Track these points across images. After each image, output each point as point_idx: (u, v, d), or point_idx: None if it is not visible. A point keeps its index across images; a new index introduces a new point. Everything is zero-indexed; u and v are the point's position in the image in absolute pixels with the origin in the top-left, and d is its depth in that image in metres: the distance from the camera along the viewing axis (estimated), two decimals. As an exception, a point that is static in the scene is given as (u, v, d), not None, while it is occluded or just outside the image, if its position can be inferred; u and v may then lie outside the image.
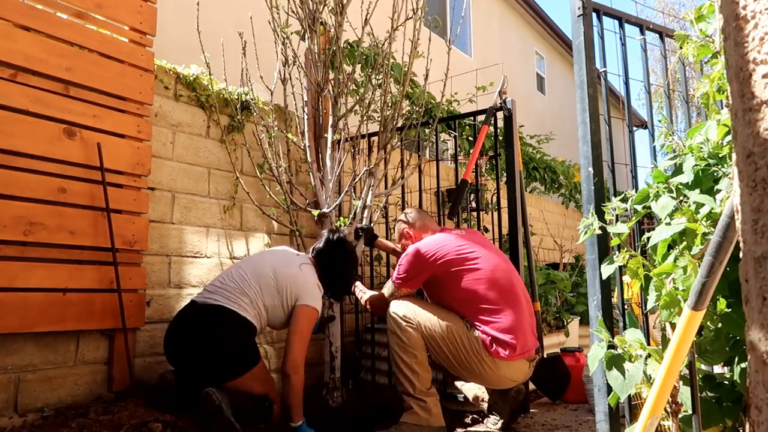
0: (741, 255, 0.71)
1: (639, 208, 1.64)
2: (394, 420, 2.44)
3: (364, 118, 3.02)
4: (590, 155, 1.98)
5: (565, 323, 4.00)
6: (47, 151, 2.23)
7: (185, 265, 2.82)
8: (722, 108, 1.55)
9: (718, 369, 1.64)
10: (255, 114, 3.07)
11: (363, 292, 2.76)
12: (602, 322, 1.75)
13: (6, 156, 2.12)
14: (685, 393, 1.44)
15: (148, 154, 2.59)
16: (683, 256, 1.40)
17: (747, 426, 1.38)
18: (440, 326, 2.38)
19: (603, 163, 2.01)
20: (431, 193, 4.53)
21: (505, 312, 2.35)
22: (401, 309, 2.46)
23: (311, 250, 2.62)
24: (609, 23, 2.10)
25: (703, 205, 1.41)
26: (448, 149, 7.12)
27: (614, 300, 1.98)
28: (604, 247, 1.92)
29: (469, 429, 2.72)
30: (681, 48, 1.68)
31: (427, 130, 4.91)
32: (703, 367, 1.57)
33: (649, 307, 1.53)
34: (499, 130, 3.25)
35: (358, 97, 3.07)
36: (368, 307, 2.72)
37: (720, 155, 1.46)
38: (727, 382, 1.50)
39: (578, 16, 2.03)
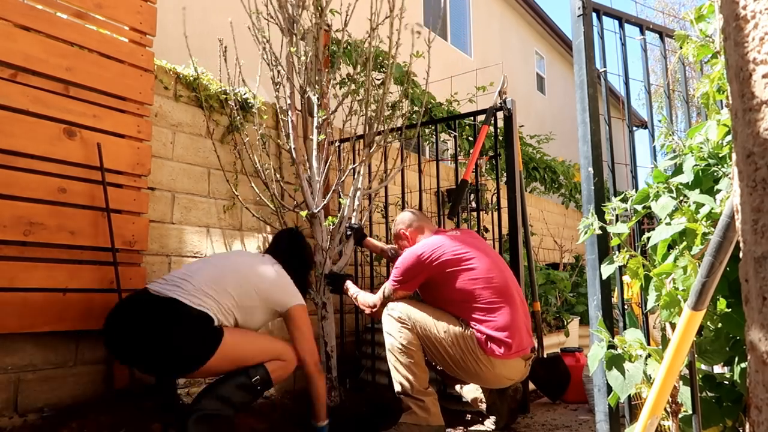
0: (741, 255, 0.71)
1: (639, 208, 1.64)
2: (394, 420, 2.44)
3: (349, 117, 3.03)
4: (590, 155, 1.98)
5: (565, 323, 4.00)
6: (47, 151, 2.23)
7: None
8: (722, 108, 1.55)
9: (718, 369, 1.64)
10: (254, 114, 3.07)
11: (357, 293, 2.75)
12: (602, 322, 1.75)
13: (6, 156, 2.12)
14: (685, 393, 1.44)
15: (148, 154, 2.59)
16: (683, 256, 1.40)
17: (747, 426, 1.38)
18: (436, 327, 2.38)
19: (603, 163, 2.01)
20: (431, 193, 4.53)
21: (500, 311, 2.36)
22: (396, 310, 2.46)
23: (274, 250, 2.54)
24: (609, 23, 2.11)
25: (703, 205, 1.41)
26: (448, 149, 7.12)
27: (614, 300, 1.98)
28: (604, 247, 1.92)
29: (468, 429, 2.72)
30: (681, 48, 1.68)
31: (427, 130, 4.93)
32: (703, 367, 1.57)
33: (649, 307, 1.53)
34: (499, 130, 3.25)
35: (340, 98, 3.07)
36: (363, 308, 2.71)
37: (720, 155, 1.46)
38: (727, 382, 1.50)
39: (578, 16, 2.03)
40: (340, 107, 3.08)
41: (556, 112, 14.02)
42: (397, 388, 2.43)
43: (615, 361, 1.54)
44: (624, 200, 1.71)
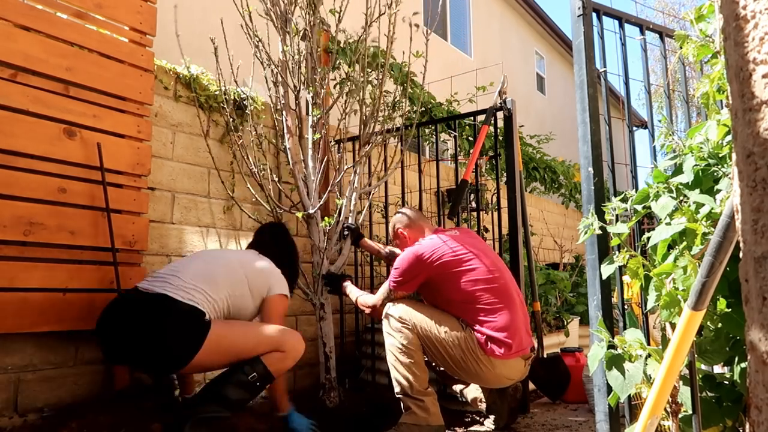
0: (741, 255, 0.71)
1: (639, 208, 1.64)
2: (394, 420, 2.44)
3: (345, 116, 3.02)
4: (590, 155, 1.98)
5: (565, 323, 4.00)
6: (47, 151, 2.23)
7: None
8: (722, 108, 1.55)
9: (718, 369, 1.64)
10: (250, 115, 3.07)
11: (356, 294, 2.74)
12: (602, 322, 1.75)
13: (6, 156, 2.12)
14: (685, 393, 1.44)
15: (148, 154, 2.59)
16: (683, 256, 1.40)
17: (747, 426, 1.38)
18: (436, 327, 2.38)
19: (603, 163, 2.01)
20: (431, 193, 4.53)
21: (500, 311, 2.36)
22: (397, 310, 2.46)
23: (256, 243, 2.55)
24: (609, 23, 2.10)
25: (703, 205, 1.41)
26: (448, 149, 7.12)
27: (614, 300, 1.98)
28: (604, 247, 1.92)
29: (468, 429, 2.72)
30: (681, 48, 1.68)
31: (427, 130, 4.92)
32: (703, 367, 1.57)
33: (649, 307, 1.53)
34: (499, 130, 3.25)
35: (335, 96, 3.06)
36: (363, 309, 2.71)
37: (720, 155, 1.46)
38: (727, 382, 1.50)
39: (578, 16, 2.03)
40: (338, 106, 3.08)
41: (556, 112, 14.03)
42: (397, 388, 2.43)
43: (615, 361, 1.54)
44: (624, 200, 1.71)
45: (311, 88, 2.92)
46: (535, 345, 2.78)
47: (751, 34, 0.67)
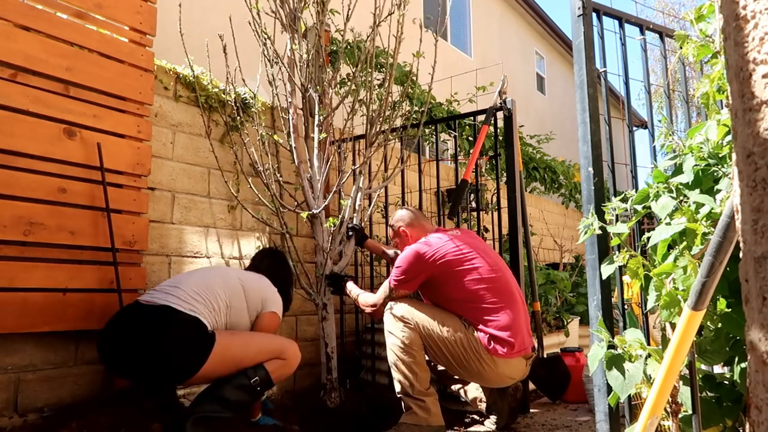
0: (741, 255, 0.71)
1: (639, 208, 1.64)
2: (394, 420, 2.44)
3: (351, 117, 3.02)
4: (590, 155, 1.98)
5: (565, 323, 4.00)
6: (47, 151, 2.23)
7: (185, 265, 2.82)
8: (722, 108, 1.55)
9: (718, 369, 1.64)
10: (253, 114, 3.07)
11: (358, 293, 2.74)
12: (602, 322, 1.75)
13: (6, 156, 2.12)
14: (685, 393, 1.44)
15: (148, 154, 2.59)
16: (683, 256, 1.40)
17: (747, 426, 1.38)
18: (438, 326, 2.38)
19: (603, 163, 2.01)
20: (431, 193, 4.53)
21: (502, 311, 2.36)
22: (398, 309, 2.45)
23: (254, 267, 2.57)
24: (609, 23, 2.11)
25: (703, 205, 1.41)
26: (448, 149, 7.12)
27: (614, 300, 1.98)
28: (604, 247, 1.92)
29: (468, 429, 2.72)
30: (681, 48, 1.68)
31: (427, 130, 4.93)
32: (703, 367, 1.57)
33: (649, 307, 1.53)
34: (499, 130, 3.25)
35: (342, 96, 3.06)
36: (364, 308, 2.70)
37: (720, 155, 1.46)
38: (727, 382, 1.50)
39: (578, 16, 2.03)
40: (342, 107, 3.08)
41: (556, 112, 14.02)
42: (398, 387, 2.43)
43: (615, 361, 1.54)
44: (624, 200, 1.71)
45: (318, 88, 2.92)
46: (536, 345, 2.77)
47: (751, 34, 0.67)
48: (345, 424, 2.63)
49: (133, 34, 2.57)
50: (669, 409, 1.52)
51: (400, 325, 2.42)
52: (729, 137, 1.42)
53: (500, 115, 3.20)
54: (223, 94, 3.02)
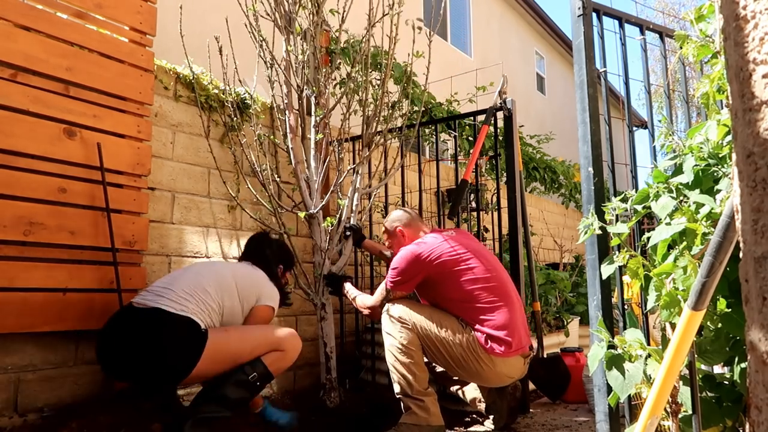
0: (741, 255, 0.71)
1: (639, 208, 1.64)
2: (394, 420, 2.44)
3: (347, 116, 3.02)
4: (590, 155, 1.98)
5: (565, 323, 4.00)
6: (47, 151, 2.23)
7: (185, 265, 2.82)
8: (722, 108, 1.55)
9: (718, 369, 1.64)
10: (252, 114, 3.07)
11: (355, 295, 2.74)
12: (602, 322, 1.75)
13: (6, 156, 2.12)
14: (685, 393, 1.44)
15: (148, 154, 2.59)
16: (683, 256, 1.40)
17: (747, 426, 1.38)
18: (436, 326, 2.38)
19: (603, 163, 2.01)
20: (431, 193, 4.53)
21: (499, 310, 2.36)
22: (396, 310, 2.45)
23: (247, 254, 2.56)
24: (609, 23, 2.11)
25: (703, 205, 1.41)
26: (448, 149, 7.12)
27: (614, 300, 1.98)
28: (604, 247, 1.92)
29: (468, 429, 2.72)
30: (681, 48, 1.68)
31: (427, 130, 4.93)
32: (703, 367, 1.57)
33: (649, 307, 1.53)
34: (499, 130, 3.25)
35: (338, 97, 3.06)
36: (361, 310, 2.70)
37: (720, 155, 1.46)
38: (727, 382, 1.50)
39: (578, 16, 2.03)
40: (339, 107, 3.08)
41: (556, 112, 14.02)
42: (397, 388, 2.43)
43: (615, 361, 1.54)
44: (624, 200, 1.71)
45: (314, 88, 2.92)
46: (535, 345, 2.77)
47: (751, 34, 0.67)
48: (345, 424, 2.62)
49: (133, 34, 2.57)
50: (669, 409, 1.52)
51: (398, 326, 2.42)
52: (729, 137, 1.42)
53: (500, 115, 3.20)
54: (223, 94, 3.02)
